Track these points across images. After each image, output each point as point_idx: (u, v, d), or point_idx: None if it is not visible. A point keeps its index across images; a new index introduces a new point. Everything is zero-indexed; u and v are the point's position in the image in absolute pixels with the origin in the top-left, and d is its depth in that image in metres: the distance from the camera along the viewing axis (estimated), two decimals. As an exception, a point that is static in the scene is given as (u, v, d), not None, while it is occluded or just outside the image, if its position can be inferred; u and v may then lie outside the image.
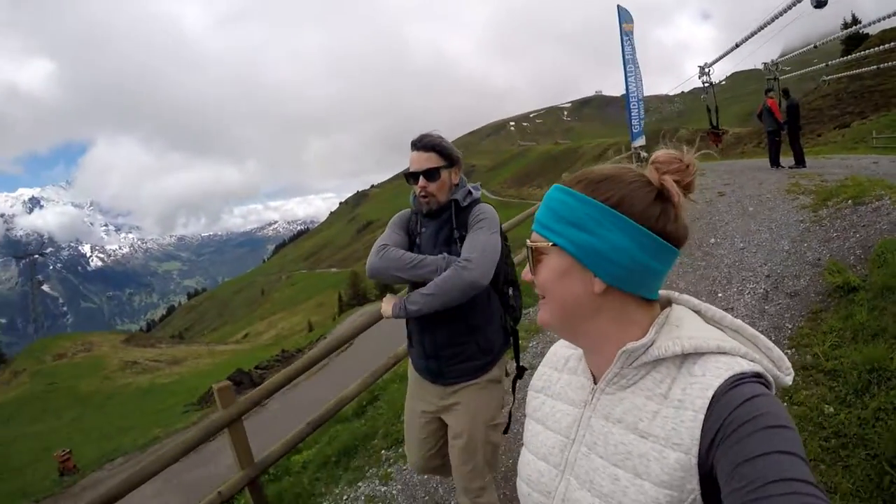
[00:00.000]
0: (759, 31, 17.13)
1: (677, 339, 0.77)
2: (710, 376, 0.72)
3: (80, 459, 19.12)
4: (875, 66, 23.48)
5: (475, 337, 2.06)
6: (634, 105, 15.20)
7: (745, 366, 0.73)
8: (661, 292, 0.86)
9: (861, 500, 2.29)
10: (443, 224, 2.08)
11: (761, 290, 4.94)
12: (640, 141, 15.12)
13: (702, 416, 0.70)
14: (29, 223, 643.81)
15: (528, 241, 0.86)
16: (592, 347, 0.86)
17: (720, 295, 5.09)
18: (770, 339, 3.73)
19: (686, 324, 0.80)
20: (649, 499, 0.72)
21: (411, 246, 2.15)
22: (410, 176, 2.06)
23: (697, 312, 0.85)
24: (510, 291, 2.19)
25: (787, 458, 0.61)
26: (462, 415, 2.09)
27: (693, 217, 8.16)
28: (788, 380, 0.78)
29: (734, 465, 0.63)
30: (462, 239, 2.02)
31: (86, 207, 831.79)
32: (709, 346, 0.76)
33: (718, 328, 0.82)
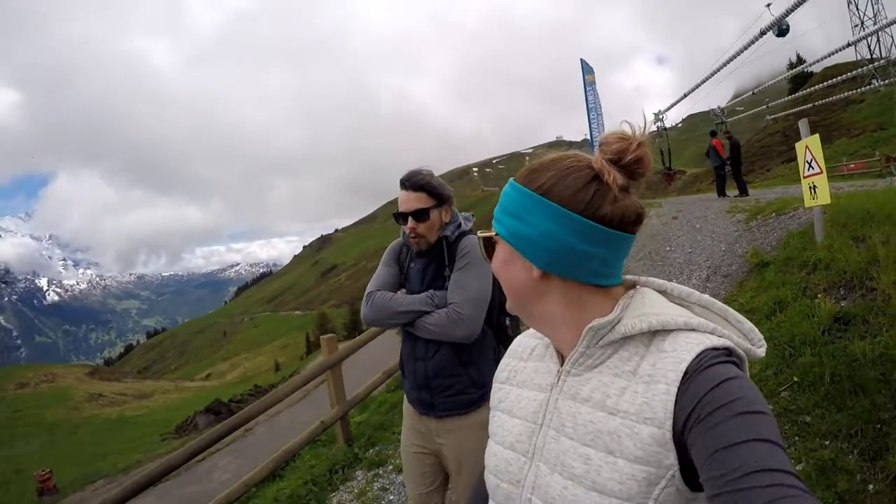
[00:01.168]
0: (710, 76, 19.42)
1: (644, 316, 0.77)
2: (682, 351, 0.72)
3: (59, 481, 18.75)
4: (812, 105, 26.19)
5: (468, 370, 2.00)
6: (598, 141, 16.98)
7: (715, 341, 0.72)
8: (627, 277, 0.86)
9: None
10: (432, 260, 2.05)
11: (704, 275, 6.55)
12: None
13: (675, 389, 0.69)
14: None
15: (485, 232, 0.89)
16: (548, 331, 0.87)
17: (673, 281, 6.54)
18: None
19: (652, 302, 0.80)
20: (624, 476, 0.70)
21: (402, 280, 2.15)
22: (399, 216, 2.01)
23: (663, 293, 0.85)
24: (507, 322, 2.14)
25: (766, 447, 0.59)
26: (459, 451, 2.03)
27: (651, 234, 9.73)
28: (761, 352, 0.77)
29: (711, 451, 0.61)
30: (449, 276, 2.01)
31: (44, 240, 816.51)
32: (677, 322, 0.75)
33: (686, 305, 0.83)
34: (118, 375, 67.40)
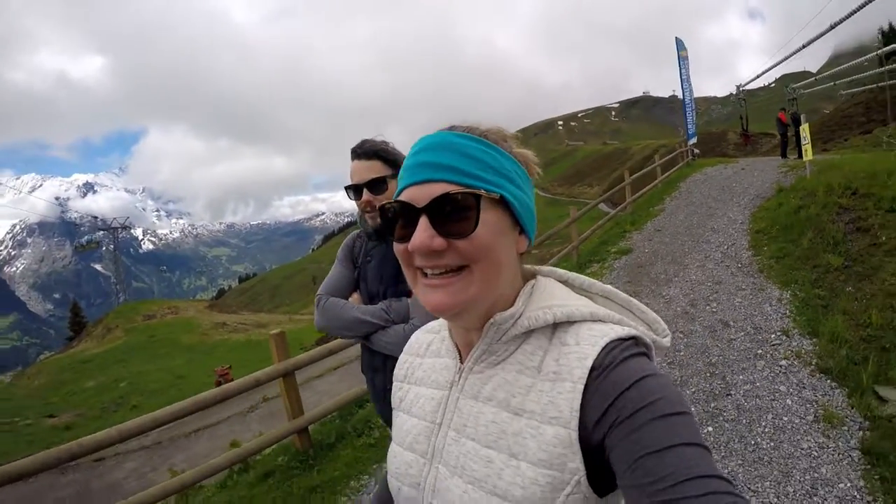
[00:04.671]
0: (803, 48, 22.20)
1: (547, 308, 0.74)
2: (585, 345, 0.69)
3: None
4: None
5: None
6: (689, 113, 21.60)
7: (619, 332, 0.70)
8: (527, 267, 0.84)
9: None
10: (390, 251, 1.72)
11: (751, 195, 11.57)
12: (694, 140, 21.57)
13: (581, 387, 0.66)
14: (83, 206, 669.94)
15: (444, 188, 0.70)
16: (478, 325, 0.78)
17: (731, 202, 11.71)
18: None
19: (554, 293, 0.78)
20: (526, 480, 0.66)
21: (357, 280, 1.92)
22: (351, 189, 1.79)
23: (565, 282, 0.83)
24: None
25: (694, 452, 0.58)
26: None
27: (725, 177, 14.82)
28: (666, 341, 0.76)
29: (636, 456, 0.59)
30: None
31: (138, 193, 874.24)
32: (581, 313, 0.73)
33: (588, 295, 0.81)
34: (234, 308, 76.15)
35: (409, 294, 1.77)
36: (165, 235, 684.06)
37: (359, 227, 1.95)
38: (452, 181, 0.70)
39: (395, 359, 1.56)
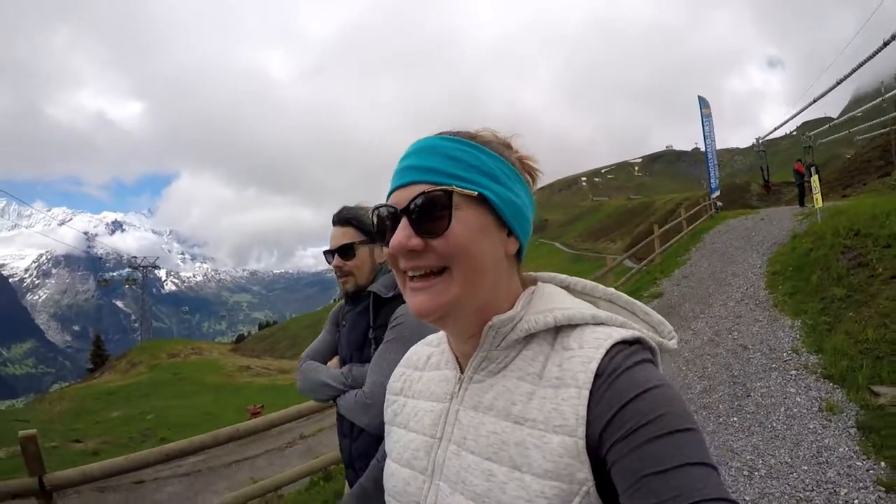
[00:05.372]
0: (818, 99, 22.88)
1: (548, 311, 0.72)
2: (589, 348, 0.67)
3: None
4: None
5: None
6: (712, 168, 22.81)
7: (623, 334, 0.68)
8: (527, 274, 0.83)
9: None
10: (359, 317, 1.84)
11: (768, 243, 12.63)
12: (717, 193, 22.77)
13: (587, 393, 0.64)
14: (110, 243, 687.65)
15: (422, 189, 0.70)
16: (474, 332, 0.75)
17: (750, 249, 12.81)
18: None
19: (555, 297, 0.76)
20: (532, 493, 0.63)
21: (338, 344, 1.96)
22: (327, 253, 1.87)
23: (566, 288, 0.81)
24: None
25: (700, 472, 0.56)
26: None
27: (747, 227, 15.92)
28: (672, 343, 0.74)
29: (639, 475, 0.57)
30: (377, 342, 1.73)
31: (165, 235, 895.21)
32: (583, 315, 0.71)
33: (590, 300, 0.80)
34: (258, 353, 75.28)
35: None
36: (188, 278, 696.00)
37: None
38: (430, 181, 0.70)
39: (362, 429, 1.65)
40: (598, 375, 0.64)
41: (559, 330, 0.73)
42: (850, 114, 30.80)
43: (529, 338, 0.73)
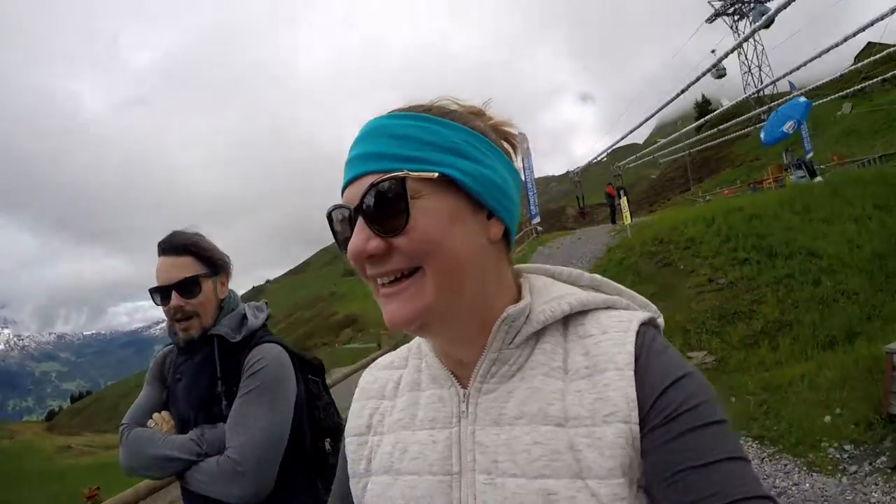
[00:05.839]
0: (635, 129, 25.69)
1: (557, 298, 0.65)
2: (615, 332, 0.61)
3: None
4: (705, 145, 34.14)
5: None
6: (532, 195, 24.09)
7: (641, 315, 0.63)
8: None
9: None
10: (201, 368, 1.48)
11: (586, 258, 13.27)
12: (537, 219, 24.02)
13: (631, 374, 0.57)
14: None
15: (371, 180, 0.58)
16: (468, 334, 0.64)
17: (569, 265, 13.34)
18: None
19: (552, 286, 0.69)
20: (605, 500, 0.54)
21: (167, 402, 1.55)
22: (157, 292, 1.48)
23: (552, 277, 0.73)
24: (327, 446, 1.57)
25: (738, 467, 0.53)
26: None
27: (566, 246, 16.73)
28: (661, 321, 0.68)
29: (676, 469, 0.53)
30: (229, 396, 1.43)
31: None
32: (595, 301, 0.66)
33: (578, 287, 0.72)
34: (75, 429, 67.00)
35: (224, 419, 1.42)
36: None
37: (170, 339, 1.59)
38: (379, 170, 0.59)
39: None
40: (637, 354, 0.59)
41: (568, 320, 0.66)
42: (656, 143, 34.74)
43: (542, 331, 0.65)
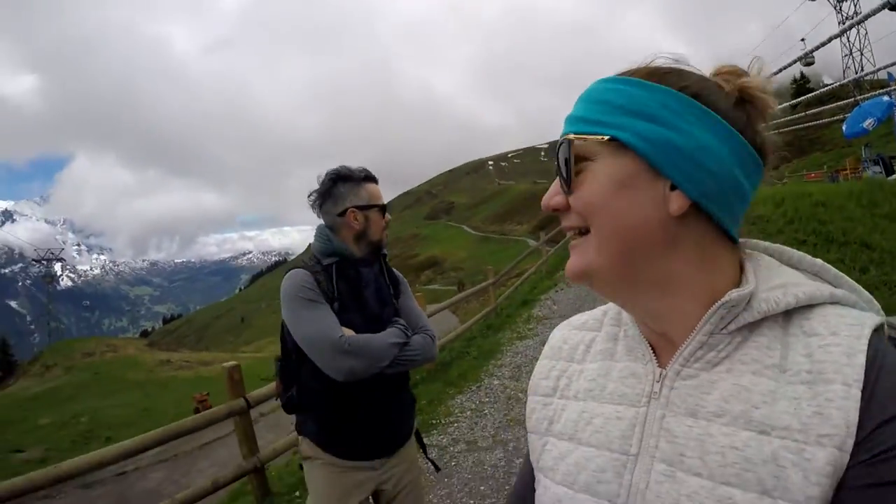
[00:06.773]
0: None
1: (785, 286, 0.55)
2: (845, 336, 0.50)
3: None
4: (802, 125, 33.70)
5: (410, 392, 1.96)
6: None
7: (871, 320, 0.52)
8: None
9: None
10: (378, 276, 1.86)
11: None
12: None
13: (857, 393, 0.47)
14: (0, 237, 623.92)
15: (558, 148, 0.59)
16: (660, 309, 0.58)
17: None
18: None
19: (779, 269, 0.58)
20: None
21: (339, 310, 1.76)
22: (377, 209, 1.81)
23: (773, 256, 0.61)
24: None
25: None
26: (404, 470, 1.86)
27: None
28: (888, 326, 0.56)
29: (869, 483, 0.45)
30: (396, 296, 1.89)
31: (59, 225, 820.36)
32: (822, 294, 0.54)
33: (801, 272, 0.60)
34: (174, 346, 72.17)
35: (395, 312, 1.85)
36: (85, 272, 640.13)
37: (333, 253, 1.78)
38: (571, 132, 0.58)
39: (390, 378, 1.76)
40: (868, 367, 0.48)
41: (791, 312, 0.55)
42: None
43: (758, 322, 0.55)
